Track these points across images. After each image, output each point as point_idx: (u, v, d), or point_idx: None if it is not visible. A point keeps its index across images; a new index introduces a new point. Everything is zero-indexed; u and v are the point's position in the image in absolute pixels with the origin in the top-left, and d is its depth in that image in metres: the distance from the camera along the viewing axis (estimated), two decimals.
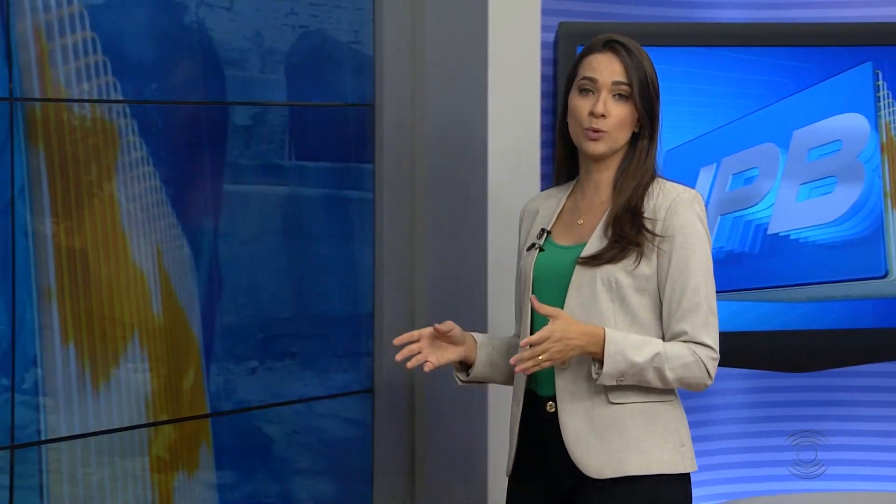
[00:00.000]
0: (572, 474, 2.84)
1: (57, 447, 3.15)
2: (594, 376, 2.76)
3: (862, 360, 4.07)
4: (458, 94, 3.39)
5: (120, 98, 3.21)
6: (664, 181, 2.90)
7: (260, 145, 3.57)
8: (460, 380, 3.00)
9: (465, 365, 2.98)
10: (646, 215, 2.84)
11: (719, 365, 3.62)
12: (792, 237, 3.89)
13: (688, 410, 3.27)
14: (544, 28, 3.73)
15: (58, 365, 3.18)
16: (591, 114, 2.85)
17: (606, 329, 2.77)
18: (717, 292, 3.50)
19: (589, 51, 2.94)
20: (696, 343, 2.79)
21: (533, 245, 3.00)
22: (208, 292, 3.47)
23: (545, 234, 2.99)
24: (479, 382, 3.04)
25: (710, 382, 2.81)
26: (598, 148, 2.87)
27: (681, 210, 2.83)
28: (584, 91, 2.88)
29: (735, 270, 3.90)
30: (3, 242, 3.04)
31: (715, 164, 3.91)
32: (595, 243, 2.86)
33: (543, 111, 3.76)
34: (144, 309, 3.34)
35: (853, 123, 3.89)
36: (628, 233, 2.83)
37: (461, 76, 3.58)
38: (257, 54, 3.57)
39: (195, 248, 3.43)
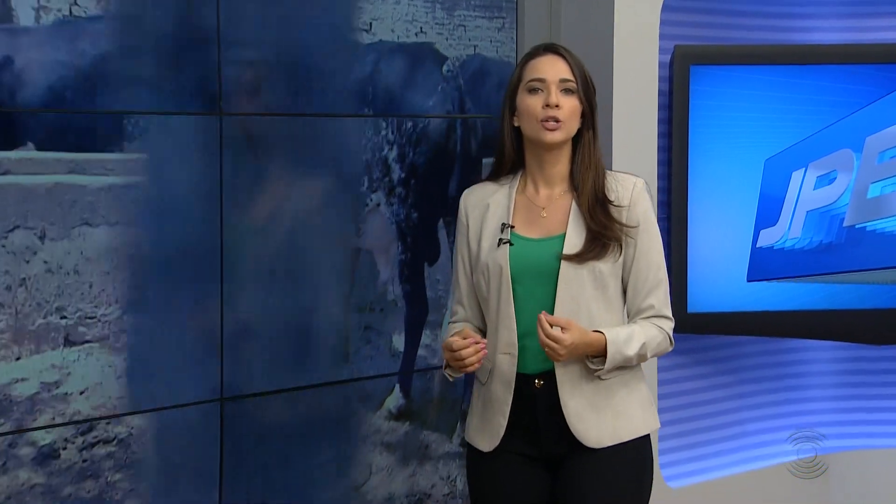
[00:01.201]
0: (564, 443, 3.01)
1: (255, 400, 3.50)
2: (594, 370, 2.95)
3: None
4: None
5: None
6: (614, 172, 3.12)
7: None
8: (452, 376, 3.09)
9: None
10: (613, 203, 3.02)
11: (808, 338, 4.20)
12: (868, 228, 4.19)
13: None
14: (662, 50, 4.05)
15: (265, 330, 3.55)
16: (547, 106, 2.99)
17: (606, 334, 2.93)
18: (806, 277, 4.05)
19: (532, 56, 3.09)
20: (661, 317, 3.05)
21: (501, 240, 3.08)
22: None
23: (509, 229, 3.10)
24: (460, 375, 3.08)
25: (671, 348, 3.07)
26: (556, 136, 3.00)
27: (641, 200, 3.05)
28: (533, 91, 3.02)
29: (820, 257, 4.25)
30: (213, 234, 3.39)
31: (804, 169, 4.22)
32: (574, 238, 3.02)
33: (660, 121, 4.07)
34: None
35: None
36: (604, 222, 3.00)
37: None
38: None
39: None
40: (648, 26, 4.00)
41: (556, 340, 2.81)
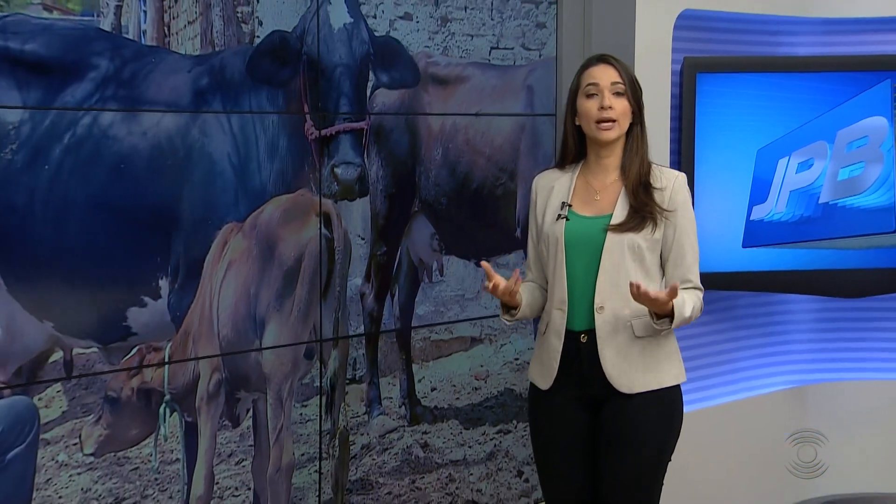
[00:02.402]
0: (604, 388, 3.14)
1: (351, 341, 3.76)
2: (657, 327, 3.08)
3: (893, 290, 4.47)
4: None
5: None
6: (658, 165, 3.21)
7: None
8: (507, 320, 3.24)
9: (507, 308, 3.22)
10: (655, 187, 3.13)
11: (792, 292, 4.28)
12: (839, 205, 4.29)
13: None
14: (673, 61, 4.16)
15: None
16: (601, 108, 3.09)
17: (673, 301, 3.01)
18: (790, 243, 4.14)
19: (587, 66, 3.19)
20: (697, 288, 3.19)
21: (559, 216, 3.17)
22: None
23: (567, 207, 3.18)
24: (517, 320, 3.25)
25: (700, 313, 3.21)
26: (610, 134, 3.11)
27: (681, 190, 3.16)
28: (590, 95, 3.12)
29: (802, 227, 4.33)
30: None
31: (787, 157, 4.31)
32: (620, 214, 3.11)
33: (672, 118, 4.17)
34: None
35: (877, 124, 4.23)
36: (644, 200, 3.10)
37: None
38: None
39: None
40: (663, 41, 4.13)
41: (655, 297, 2.96)
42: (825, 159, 4.33)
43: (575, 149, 3.26)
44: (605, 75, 3.17)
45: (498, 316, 3.83)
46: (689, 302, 3.12)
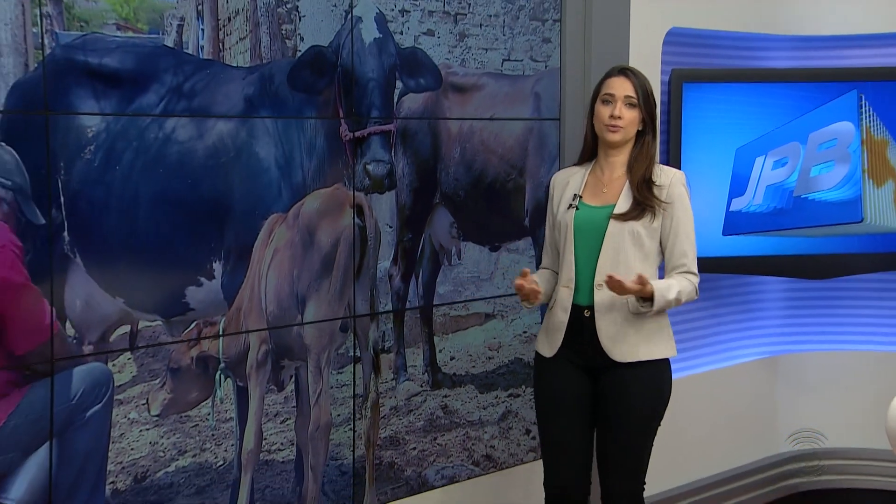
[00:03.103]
0: (602, 358, 3.20)
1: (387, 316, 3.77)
2: (642, 310, 3.10)
3: (853, 272, 4.62)
4: None
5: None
6: (661, 165, 3.26)
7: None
8: (526, 306, 3.31)
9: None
10: (655, 184, 3.17)
11: (766, 275, 4.54)
12: (810, 198, 4.36)
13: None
14: (663, 72, 4.27)
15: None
16: (611, 116, 3.15)
17: (654, 285, 3.06)
18: (765, 232, 4.36)
19: (609, 75, 3.25)
20: (691, 273, 3.20)
21: (571, 205, 3.23)
22: None
23: (578, 198, 3.24)
24: (535, 305, 3.31)
25: (696, 297, 3.24)
26: (615, 138, 3.17)
27: (677, 185, 3.19)
28: (605, 102, 3.18)
29: (776, 218, 4.39)
30: None
31: (764, 155, 4.40)
32: (623, 205, 3.17)
33: (661, 122, 4.16)
34: None
35: (845, 128, 4.33)
36: (647, 195, 3.13)
37: None
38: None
39: None
40: (653, 54, 4.21)
41: (621, 284, 3.03)
42: (798, 158, 4.38)
43: (592, 145, 3.32)
44: (621, 87, 3.22)
45: (508, 295, 4.04)
46: (675, 286, 3.15)
